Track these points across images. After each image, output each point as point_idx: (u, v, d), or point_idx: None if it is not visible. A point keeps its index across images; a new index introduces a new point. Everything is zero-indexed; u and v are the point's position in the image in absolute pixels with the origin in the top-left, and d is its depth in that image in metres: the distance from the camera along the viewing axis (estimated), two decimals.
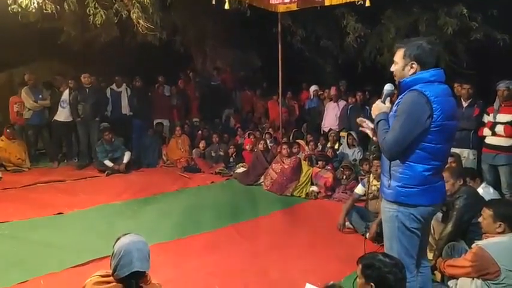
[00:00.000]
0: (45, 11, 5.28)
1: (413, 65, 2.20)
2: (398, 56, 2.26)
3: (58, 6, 5.38)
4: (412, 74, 2.21)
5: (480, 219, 2.74)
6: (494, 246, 2.53)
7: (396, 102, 2.25)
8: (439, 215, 3.37)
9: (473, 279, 2.59)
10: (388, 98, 2.36)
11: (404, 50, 2.23)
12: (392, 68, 2.33)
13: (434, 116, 2.09)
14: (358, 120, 2.51)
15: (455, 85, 4.91)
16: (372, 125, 2.40)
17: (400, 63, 2.25)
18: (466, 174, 3.61)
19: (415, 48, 2.20)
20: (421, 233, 2.31)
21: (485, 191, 3.53)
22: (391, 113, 2.28)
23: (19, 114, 7.18)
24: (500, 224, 2.57)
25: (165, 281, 2.63)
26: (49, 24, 7.07)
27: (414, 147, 2.15)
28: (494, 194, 3.53)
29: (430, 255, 3.14)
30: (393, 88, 2.37)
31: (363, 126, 2.46)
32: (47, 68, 8.71)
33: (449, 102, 2.21)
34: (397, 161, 2.22)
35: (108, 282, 1.96)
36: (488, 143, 4.73)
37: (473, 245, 2.72)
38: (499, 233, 2.58)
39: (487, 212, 2.65)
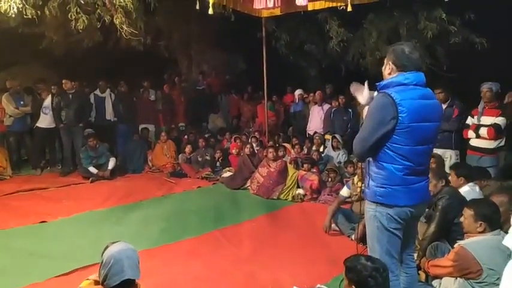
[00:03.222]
0: (25, 16, 5.21)
1: (389, 65, 2.32)
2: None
3: (39, 11, 5.31)
4: (388, 74, 2.32)
5: (461, 219, 2.79)
6: (475, 245, 2.59)
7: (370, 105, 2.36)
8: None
9: (456, 278, 2.64)
10: None
11: (388, 52, 2.36)
12: None
13: (399, 117, 2.15)
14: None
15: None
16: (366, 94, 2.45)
17: (384, 64, 2.38)
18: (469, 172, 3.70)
19: (394, 51, 2.32)
20: (403, 233, 2.34)
21: (472, 189, 3.60)
22: None
23: (0, 121, 7.03)
24: (481, 224, 2.62)
25: None
26: (30, 29, 6.97)
27: (383, 147, 2.23)
28: (480, 194, 3.61)
29: (414, 256, 3.19)
30: None
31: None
32: (29, 74, 8.56)
33: (422, 105, 2.22)
34: (373, 161, 2.31)
35: None
36: (473, 145, 4.81)
37: (455, 245, 2.78)
38: (480, 232, 2.64)
39: (468, 212, 2.71)
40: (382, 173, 2.26)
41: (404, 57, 2.26)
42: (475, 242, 2.61)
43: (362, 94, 2.46)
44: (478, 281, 2.51)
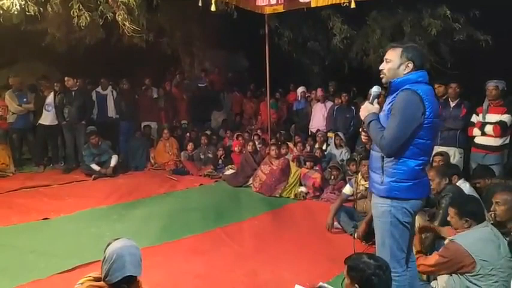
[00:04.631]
0: (27, 13, 5.20)
1: (409, 65, 2.31)
2: (394, 54, 2.35)
3: (41, 8, 5.31)
4: (406, 74, 2.31)
5: (448, 218, 2.83)
6: (465, 238, 2.62)
7: (389, 102, 2.33)
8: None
9: (450, 275, 2.63)
10: (376, 100, 2.44)
11: (402, 50, 2.33)
12: (383, 66, 2.39)
13: (426, 113, 2.22)
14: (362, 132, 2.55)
15: (436, 86, 4.91)
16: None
17: (395, 62, 2.34)
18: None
19: (413, 49, 2.34)
20: (410, 226, 2.41)
21: (462, 186, 3.61)
22: (382, 112, 2.37)
23: (3, 118, 7.02)
24: (467, 220, 2.67)
25: (153, 285, 2.61)
26: (33, 26, 6.95)
27: (409, 143, 2.25)
28: (470, 190, 3.61)
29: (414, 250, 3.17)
30: (380, 90, 2.45)
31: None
32: (31, 71, 8.57)
33: (436, 101, 2.34)
34: (395, 158, 2.30)
35: (100, 287, 1.94)
36: (478, 142, 4.77)
37: (445, 241, 2.80)
38: (466, 228, 2.69)
39: (452, 211, 2.76)
40: (402, 169, 2.28)
41: (422, 56, 2.38)
42: (465, 236, 2.64)
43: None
44: (472, 274, 2.51)
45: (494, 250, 2.53)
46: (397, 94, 2.27)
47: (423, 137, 2.26)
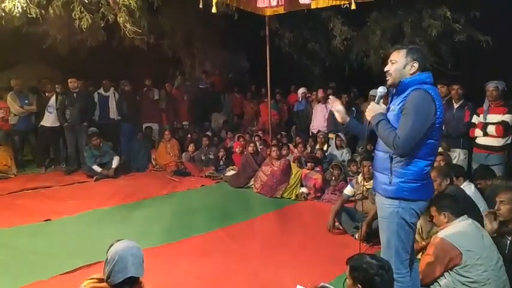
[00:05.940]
0: (29, 16, 5.23)
1: (415, 65, 2.32)
2: (399, 55, 2.36)
3: (43, 11, 5.34)
4: (412, 73, 2.33)
5: (434, 220, 2.94)
6: (448, 232, 2.71)
7: (399, 102, 2.31)
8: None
9: (442, 275, 2.66)
10: (382, 100, 2.45)
11: (406, 51, 2.36)
12: (389, 68, 2.39)
13: (437, 113, 2.23)
14: (330, 99, 2.71)
15: (439, 86, 4.92)
16: (341, 108, 2.63)
17: (400, 62, 2.35)
18: (453, 172, 3.72)
19: (417, 50, 2.37)
20: (415, 227, 2.43)
21: (466, 188, 3.60)
22: (392, 112, 2.36)
23: (4, 120, 7.05)
24: (444, 214, 2.80)
25: (155, 286, 2.62)
26: (34, 28, 6.99)
27: (422, 143, 2.25)
28: (474, 191, 3.61)
29: (418, 255, 3.18)
30: (386, 90, 2.46)
31: (332, 106, 2.67)
32: (33, 73, 8.60)
33: (442, 102, 2.35)
34: (405, 158, 2.29)
35: None
36: (480, 143, 4.78)
37: (431, 239, 2.89)
38: (447, 222, 2.80)
39: (432, 210, 2.88)
40: (412, 169, 2.27)
41: (426, 57, 2.44)
42: (447, 230, 2.74)
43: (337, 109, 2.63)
44: (461, 266, 2.56)
45: (478, 240, 2.60)
46: (408, 94, 2.26)
47: (433, 137, 2.27)
